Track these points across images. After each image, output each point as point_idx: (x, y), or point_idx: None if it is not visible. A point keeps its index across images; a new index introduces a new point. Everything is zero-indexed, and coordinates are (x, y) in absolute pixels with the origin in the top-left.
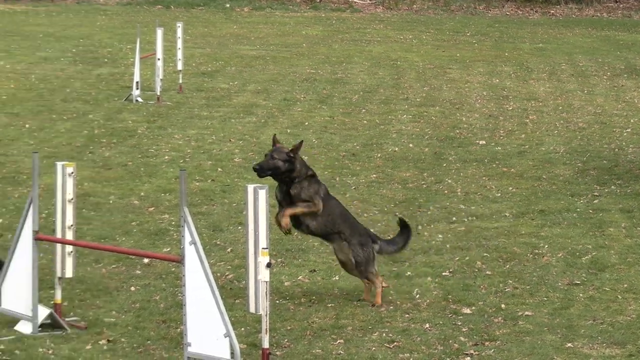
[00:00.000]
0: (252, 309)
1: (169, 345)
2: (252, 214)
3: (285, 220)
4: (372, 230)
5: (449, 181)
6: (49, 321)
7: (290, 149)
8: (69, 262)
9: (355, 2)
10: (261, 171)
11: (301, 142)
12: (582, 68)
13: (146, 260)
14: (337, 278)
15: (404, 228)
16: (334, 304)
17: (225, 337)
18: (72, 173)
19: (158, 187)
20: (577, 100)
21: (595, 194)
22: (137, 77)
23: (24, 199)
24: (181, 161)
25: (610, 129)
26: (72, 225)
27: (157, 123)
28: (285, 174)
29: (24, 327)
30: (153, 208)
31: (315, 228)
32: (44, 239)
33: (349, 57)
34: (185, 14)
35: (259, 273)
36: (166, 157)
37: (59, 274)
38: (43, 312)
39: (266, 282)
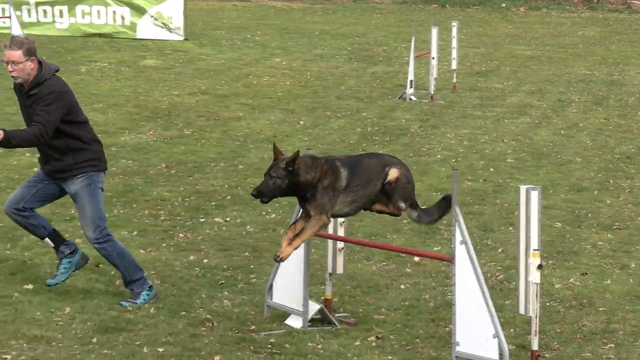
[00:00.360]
0: (522, 311)
1: (437, 344)
2: (524, 215)
3: (287, 252)
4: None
5: None
6: (318, 316)
7: (286, 160)
8: (340, 258)
9: (633, 2)
10: (262, 196)
11: (297, 152)
12: None
13: (416, 259)
14: (609, 282)
15: (444, 201)
16: (605, 307)
17: (494, 337)
18: None
19: (430, 185)
20: None
21: None
22: (411, 76)
23: None
24: (453, 160)
25: None
26: (343, 222)
27: (430, 122)
28: (291, 189)
29: (294, 322)
30: (424, 207)
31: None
32: (316, 235)
33: (626, 58)
34: (461, 13)
35: (530, 274)
36: (438, 156)
37: (330, 270)
38: (313, 308)
39: (537, 283)
